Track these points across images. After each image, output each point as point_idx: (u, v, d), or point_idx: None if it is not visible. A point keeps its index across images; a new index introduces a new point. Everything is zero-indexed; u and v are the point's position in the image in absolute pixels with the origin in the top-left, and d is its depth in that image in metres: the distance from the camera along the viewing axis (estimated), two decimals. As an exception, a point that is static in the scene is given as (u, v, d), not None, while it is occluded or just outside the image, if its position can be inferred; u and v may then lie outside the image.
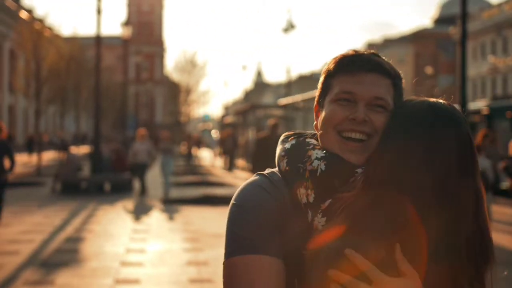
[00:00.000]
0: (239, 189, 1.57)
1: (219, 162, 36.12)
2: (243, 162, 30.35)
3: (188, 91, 51.86)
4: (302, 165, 1.52)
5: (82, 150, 39.84)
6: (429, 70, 59.62)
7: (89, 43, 46.66)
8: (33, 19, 42.66)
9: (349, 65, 1.58)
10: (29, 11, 50.12)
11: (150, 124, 64.74)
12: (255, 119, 29.19)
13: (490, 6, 54.72)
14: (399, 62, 68.65)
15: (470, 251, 1.39)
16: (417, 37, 67.28)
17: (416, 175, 1.40)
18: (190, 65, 52.18)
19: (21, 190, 19.20)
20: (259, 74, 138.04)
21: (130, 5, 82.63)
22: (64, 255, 9.37)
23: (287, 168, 1.55)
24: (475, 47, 52.97)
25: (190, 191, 19.06)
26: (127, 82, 41.06)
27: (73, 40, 42.29)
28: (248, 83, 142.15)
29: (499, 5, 50.11)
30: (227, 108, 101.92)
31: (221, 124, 66.29)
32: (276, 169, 1.60)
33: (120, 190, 18.64)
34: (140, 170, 17.62)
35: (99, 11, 21.18)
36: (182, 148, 43.04)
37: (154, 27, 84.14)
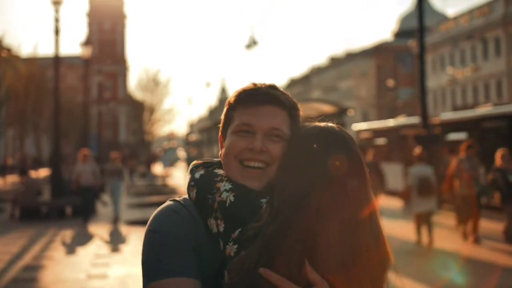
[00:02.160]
0: (153, 214, 1.66)
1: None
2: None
3: (152, 110, 51.48)
4: (211, 196, 1.62)
5: (42, 173, 39.09)
6: (390, 83, 60.38)
7: (49, 63, 46.01)
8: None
9: (247, 98, 1.72)
10: (-14, 32, 49.16)
11: (114, 144, 63.98)
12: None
13: (446, 19, 55.79)
14: (362, 75, 69.44)
15: (369, 258, 1.51)
16: (378, 51, 68.16)
17: (315, 196, 1.50)
18: (153, 84, 51.84)
19: (-21, 216, 18.64)
20: (223, 91, 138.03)
21: (91, 24, 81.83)
22: (22, 284, 9.04)
23: (197, 198, 1.65)
24: (434, 59, 53.88)
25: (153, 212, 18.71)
26: (88, 102, 40.55)
27: (32, 61, 41.60)
28: (212, 100, 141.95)
29: (455, 18, 51.15)
30: (192, 126, 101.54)
31: (186, 142, 65.99)
32: (187, 196, 1.70)
33: (92, 212, 18.13)
34: (84, 193, 16.17)
35: (57, 32, 20.77)
36: (141, 168, 42.63)
37: (116, 46, 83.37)
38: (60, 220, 17.09)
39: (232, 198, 1.59)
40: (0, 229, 15.57)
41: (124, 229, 15.12)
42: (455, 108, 22.58)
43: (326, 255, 1.50)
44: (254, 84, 1.76)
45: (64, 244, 13.07)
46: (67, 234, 14.38)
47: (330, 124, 1.67)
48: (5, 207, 20.13)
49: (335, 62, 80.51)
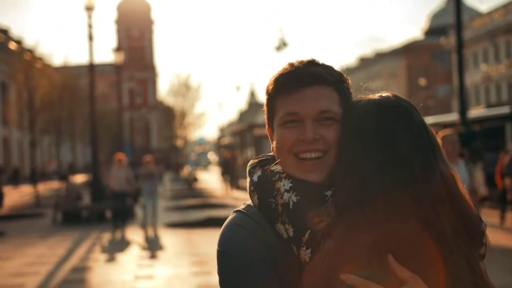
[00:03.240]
0: (220, 232, 1.54)
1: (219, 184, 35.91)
2: (246, 182, 30.15)
3: (183, 115, 51.71)
4: (273, 200, 1.48)
5: (79, 179, 39.57)
6: (422, 81, 59.76)
7: (81, 72, 46.60)
8: (22, 49, 42.63)
9: (286, 84, 1.54)
10: (18, 42, 50.00)
11: (147, 149, 64.50)
12: (253, 139, 29.03)
13: (480, 15, 54.98)
14: (391, 75, 68.92)
15: (457, 238, 1.37)
16: (408, 50, 67.58)
17: (379, 186, 1.37)
18: (184, 88, 52.08)
19: (21, 222, 18.94)
20: (252, 94, 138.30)
21: (119, 31, 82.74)
22: (72, 285, 9.14)
23: (259, 204, 1.51)
24: (467, 56, 53.14)
25: (192, 214, 18.81)
26: (121, 108, 40.98)
27: (65, 69, 42.15)
28: (242, 104, 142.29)
29: (490, 13, 50.42)
30: (222, 130, 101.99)
31: (218, 146, 66.22)
32: (250, 202, 1.56)
33: (129, 216, 18.26)
34: (119, 199, 15.57)
35: (91, 38, 21.06)
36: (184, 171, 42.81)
37: (145, 52, 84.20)
38: (100, 224, 17.26)
39: (294, 199, 1.45)
40: (44, 233, 15.80)
41: (163, 232, 15.20)
42: (489, 105, 22.22)
43: (408, 252, 1.35)
44: (291, 64, 1.58)
45: (107, 246, 13.19)
46: (109, 237, 14.50)
47: (385, 95, 1.50)
48: (46, 212, 20.41)
49: (364, 62, 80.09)
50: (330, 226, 1.39)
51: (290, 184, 1.47)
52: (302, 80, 1.52)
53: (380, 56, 74.46)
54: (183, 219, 17.28)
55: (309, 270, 1.40)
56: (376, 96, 1.50)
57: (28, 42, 57.91)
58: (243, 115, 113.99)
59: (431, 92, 59.27)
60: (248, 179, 1.58)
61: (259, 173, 1.55)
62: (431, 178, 1.38)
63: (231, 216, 1.56)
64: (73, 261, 11.30)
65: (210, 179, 43.28)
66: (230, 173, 29.80)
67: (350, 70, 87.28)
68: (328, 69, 1.57)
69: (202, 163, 71.09)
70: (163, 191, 30.10)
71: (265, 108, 1.61)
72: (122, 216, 15.60)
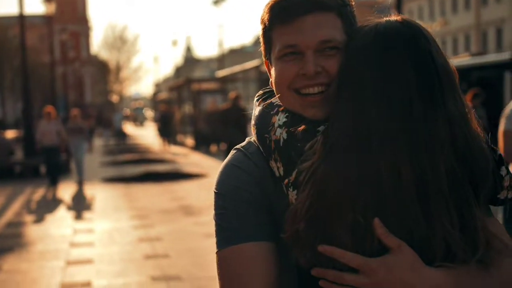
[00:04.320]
0: (218, 172, 1.46)
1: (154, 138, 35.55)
2: (183, 137, 29.96)
3: (119, 69, 50.63)
4: (268, 135, 1.38)
5: (10, 134, 38.36)
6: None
7: (9, 23, 44.69)
8: None
9: (282, 12, 1.39)
10: None
11: (81, 105, 63.02)
12: (191, 94, 28.74)
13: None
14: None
15: (454, 186, 1.25)
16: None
17: (376, 124, 1.26)
18: (120, 41, 50.87)
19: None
20: (189, 49, 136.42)
21: (50, -18, 79.55)
22: (8, 240, 8.93)
23: (257, 139, 1.43)
24: (404, 13, 53.86)
25: (130, 169, 18.60)
26: (54, 62, 39.70)
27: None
28: (178, 59, 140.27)
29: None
30: (158, 85, 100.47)
31: (154, 102, 65.33)
32: (253, 138, 1.47)
33: (63, 171, 17.79)
34: (49, 155, 14.69)
35: (22, -13, 20.14)
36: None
37: (77, 3, 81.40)
38: (35, 179, 16.82)
39: (285, 135, 1.35)
40: (-25, 189, 15.29)
41: (100, 186, 14.98)
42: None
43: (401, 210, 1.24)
44: None
45: (43, 201, 12.92)
46: (45, 192, 14.18)
47: (392, 19, 1.36)
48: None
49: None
50: (314, 165, 1.29)
51: (284, 119, 1.38)
52: (300, 7, 1.37)
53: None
54: (120, 174, 17.08)
55: (289, 213, 1.31)
56: (382, 20, 1.36)
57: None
58: (179, 70, 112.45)
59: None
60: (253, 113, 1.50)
61: (261, 106, 1.46)
62: (431, 118, 1.26)
63: (230, 154, 1.47)
64: (8, 216, 11.03)
65: (147, 135, 42.81)
66: (168, 128, 29.53)
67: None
68: None
69: (138, 118, 70.04)
70: (98, 146, 29.59)
71: (261, 39, 1.48)
72: (55, 171, 14.83)
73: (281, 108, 1.40)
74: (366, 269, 1.24)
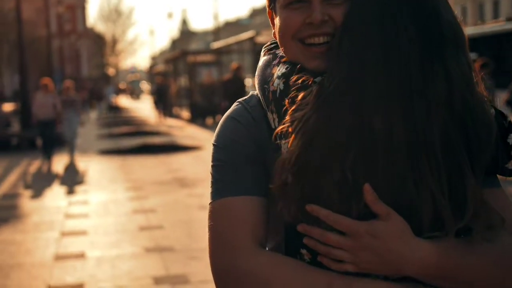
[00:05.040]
0: (218, 124, 1.45)
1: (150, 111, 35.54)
2: (179, 110, 29.92)
3: (115, 41, 50.38)
4: (267, 86, 1.36)
5: (7, 107, 38.29)
6: None
7: (5, -5, 44.30)
8: None
9: None
10: None
11: (77, 78, 62.73)
12: (187, 66, 28.64)
13: None
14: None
15: (447, 150, 1.20)
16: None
17: (372, 80, 1.20)
18: (115, 14, 50.54)
19: None
20: (184, 22, 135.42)
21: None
22: (3, 212, 8.99)
23: (258, 90, 1.40)
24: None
25: (126, 141, 18.63)
26: (50, 35, 39.47)
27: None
28: (174, 32, 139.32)
29: None
30: (154, 58, 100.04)
31: (150, 75, 65.05)
32: (256, 92, 1.44)
33: (59, 144, 17.72)
34: (44, 128, 14.12)
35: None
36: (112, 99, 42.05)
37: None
38: (31, 151, 16.84)
39: (282, 86, 1.32)
40: (-29, 162, 15.33)
41: (96, 159, 15.03)
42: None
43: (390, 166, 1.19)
44: None
45: (38, 174, 12.97)
46: (40, 165, 14.22)
47: None
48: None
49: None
50: (306, 115, 1.24)
51: (283, 70, 1.34)
52: None
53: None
54: (116, 146, 17.12)
55: (278, 164, 1.26)
56: None
57: None
58: (175, 43, 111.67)
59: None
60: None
61: (265, 57, 1.43)
62: (428, 76, 1.20)
63: (231, 107, 1.46)
64: (4, 187, 11.09)
65: (143, 108, 42.74)
66: (163, 101, 29.50)
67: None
68: None
69: (134, 91, 69.83)
70: (93, 119, 29.60)
71: None
72: (51, 145, 14.33)
73: (283, 59, 1.38)
74: (353, 232, 1.21)
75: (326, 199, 1.21)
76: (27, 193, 10.52)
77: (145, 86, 79.56)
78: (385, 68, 1.21)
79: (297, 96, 1.28)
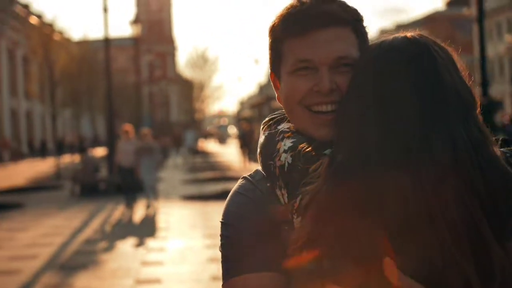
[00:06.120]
0: (226, 201, 1.40)
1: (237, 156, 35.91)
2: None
3: (202, 87, 51.75)
4: (272, 162, 1.31)
5: (100, 152, 39.87)
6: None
7: (100, 46, 46.66)
8: (43, 24, 42.74)
9: (296, 24, 1.32)
10: (39, 16, 50.17)
11: (166, 123, 64.68)
12: (271, 111, 28.89)
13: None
14: (413, 46, 67.94)
15: (463, 213, 1.11)
16: (430, 21, 66.45)
17: (378, 149, 1.15)
18: (202, 61, 52.02)
19: (41, 194, 19.11)
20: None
21: (138, 5, 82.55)
22: (83, 257, 9.18)
23: (262, 167, 1.36)
24: (491, 27, 52.19)
25: (209, 186, 18.81)
26: (140, 82, 41.07)
27: (84, 43, 42.34)
28: (261, 77, 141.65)
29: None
30: (242, 103, 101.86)
31: (238, 119, 66.15)
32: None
33: (140, 190, 18.19)
34: (126, 175, 14.08)
35: (105, 10, 20.97)
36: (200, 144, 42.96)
37: (164, 25, 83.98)
38: (117, 196, 17.30)
39: (290, 160, 1.27)
40: (62, 205, 15.92)
41: (178, 204, 15.22)
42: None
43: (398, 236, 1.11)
44: (299, 0, 1.34)
45: (121, 219, 13.25)
46: (123, 211, 14.53)
47: (401, 36, 1.27)
48: (66, 184, 20.57)
49: (385, 34, 79.21)
50: (317, 188, 1.20)
51: (290, 144, 1.30)
52: (315, 20, 1.30)
53: (402, 28, 72.85)
54: (199, 192, 17.30)
55: (292, 241, 1.21)
56: (389, 37, 1.29)
57: (48, 16, 58.05)
58: (262, 88, 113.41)
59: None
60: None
61: (266, 133, 1.39)
62: (431, 142, 1.14)
63: (237, 183, 1.42)
64: (87, 232, 11.36)
65: (229, 152, 43.31)
66: (248, 146, 29.77)
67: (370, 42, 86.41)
68: (343, 5, 1.34)
69: (222, 136, 71.14)
70: (181, 164, 30.19)
71: (268, 50, 1.41)
72: (132, 191, 14.30)
73: (287, 134, 1.33)
74: None
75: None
76: (108, 239, 10.73)
77: (233, 130, 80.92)
78: (390, 138, 1.16)
79: (308, 168, 1.24)
